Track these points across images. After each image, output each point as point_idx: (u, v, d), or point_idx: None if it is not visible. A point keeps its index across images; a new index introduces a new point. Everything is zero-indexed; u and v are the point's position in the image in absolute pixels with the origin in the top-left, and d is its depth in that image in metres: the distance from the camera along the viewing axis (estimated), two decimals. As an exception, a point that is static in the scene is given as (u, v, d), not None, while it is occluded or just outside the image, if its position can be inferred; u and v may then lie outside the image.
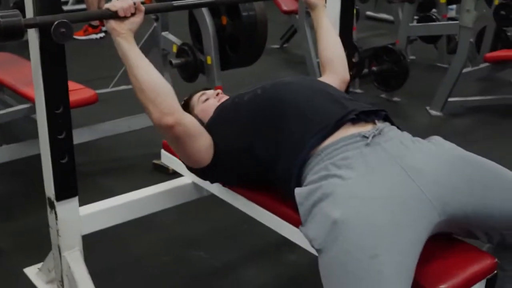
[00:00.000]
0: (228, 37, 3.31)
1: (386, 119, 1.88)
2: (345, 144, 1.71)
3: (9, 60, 4.05)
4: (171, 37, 3.63)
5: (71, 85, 3.41)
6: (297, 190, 1.70)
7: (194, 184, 2.40)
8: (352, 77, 4.75)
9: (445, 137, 1.82)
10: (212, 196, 2.30)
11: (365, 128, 1.77)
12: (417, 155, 1.69)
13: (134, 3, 1.90)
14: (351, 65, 4.58)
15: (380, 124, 1.80)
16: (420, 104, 4.65)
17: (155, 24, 3.71)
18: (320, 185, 1.64)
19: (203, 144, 1.95)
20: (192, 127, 1.91)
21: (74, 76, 4.74)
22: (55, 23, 1.79)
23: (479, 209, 1.65)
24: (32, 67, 1.97)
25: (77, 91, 3.36)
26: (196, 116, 2.10)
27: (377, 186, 1.59)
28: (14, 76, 3.57)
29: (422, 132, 3.93)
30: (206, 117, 2.10)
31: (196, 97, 2.26)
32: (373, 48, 4.76)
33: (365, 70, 4.74)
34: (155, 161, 3.42)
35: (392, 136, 1.75)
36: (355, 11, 4.86)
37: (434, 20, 5.02)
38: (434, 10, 5.56)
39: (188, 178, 2.40)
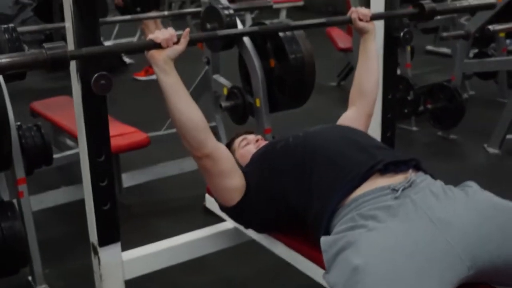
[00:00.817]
0: (276, 80, 3.34)
1: (417, 167, 1.86)
2: (375, 196, 1.72)
3: (68, 103, 4.18)
4: (222, 80, 3.69)
5: (125, 128, 3.55)
6: (323, 239, 1.71)
7: (236, 229, 2.41)
8: (408, 115, 4.75)
9: (503, 176, 1.78)
10: (254, 242, 2.31)
11: (395, 180, 1.76)
12: (447, 206, 1.67)
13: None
14: (406, 102, 4.59)
15: (411, 175, 1.78)
16: (477, 142, 4.55)
17: (206, 67, 3.78)
18: (345, 235, 1.65)
19: (234, 183, 2.01)
20: (223, 163, 1.98)
21: (132, 116, 4.92)
22: (95, 75, 1.87)
23: (511, 260, 1.61)
24: (76, 116, 2.04)
25: (130, 135, 3.45)
26: (236, 160, 2.14)
27: (403, 237, 1.58)
28: (72, 119, 3.68)
29: (478, 170, 3.87)
30: (245, 163, 2.14)
31: (237, 142, 2.30)
32: (429, 85, 4.70)
33: (421, 108, 4.68)
34: (206, 203, 3.45)
35: (423, 187, 1.74)
36: (409, 48, 4.85)
37: (489, 56, 4.93)
38: (493, 44, 5.46)
39: (230, 223, 2.42)
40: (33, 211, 3.10)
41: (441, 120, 4.59)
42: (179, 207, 3.62)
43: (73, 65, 1.95)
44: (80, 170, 2.08)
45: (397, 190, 1.71)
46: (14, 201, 2.77)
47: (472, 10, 3.44)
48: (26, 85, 6.37)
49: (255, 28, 2.31)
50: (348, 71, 6.28)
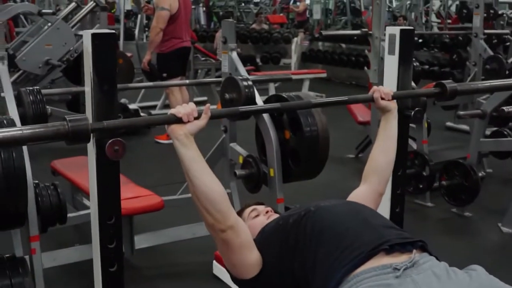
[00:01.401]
0: (291, 151, 3.41)
1: (423, 248, 1.87)
2: (376, 274, 1.73)
3: (87, 163, 4.28)
4: (238, 148, 3.76)
5: (140, 191, 3.62)
6: None
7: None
8: (423, 190, 4.77)
9: None
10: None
11: (399, 259, 1.77)
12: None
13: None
14: (421, 178, 4.61)
15: (415, 255, 1.79)
16: (492, 220, 4.54)
17: (224, 135, 3.87)
18: None
19: (252, 257, 2.00)
20: (243, 235, 1.98)
21: (150, 179, 5.00)
22: (110, 141, 1.94)
23: None
24: (89, 179, 2.11)
25: (145, 198, 3.52)
26: None
27: None
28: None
29: (491, 249, 3.84)
30: (254, 234, 2.16)
31: (247, 212, 2.32)
32: (444, 162, 4.73)
33: (436, 184, 4.70)
34: (213, 271, 3.47)
35: (426, 268, 1.74)
36: (426, 124, 4.91)
37: (505, 136, 4.97)
38: (510, 124, 5.50)
39: (236, 290, 2.44)
40: (45, 267, 3.16)
41: (455, 197, 4.60)
42: (189, 271, 3.64)
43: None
44: None
45: (399, 269, 1.72)
46: (27, 257, 2.83)
47: (493, 91, 3.48)
48: (49, 144, 6.53)
49: (277, 105, 2.34)
50: (366, 144, 6.33)
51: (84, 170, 4.00)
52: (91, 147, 2.05)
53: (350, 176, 5.82)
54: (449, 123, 7.66)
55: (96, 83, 1.98)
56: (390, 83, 2.73)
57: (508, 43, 7.25)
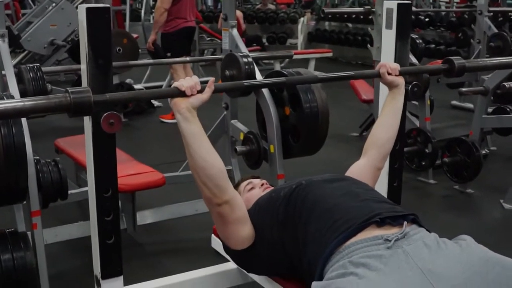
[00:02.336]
0: (291, 127, 3.42)
1: (414, 221, 1.89)
2: (367, 245, 1.75)
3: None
4: (239, 125, 3.78)
5: (142, 167, 3.65)
6: (314, 284, 1.74)
7: (239, 270, 2.46)
8: (425, 167, 4.78)
9: None
10: (256, 283, 2.36)
11: (390, 231, 1.79)
12: (439, 258, 1.68)
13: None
14: (423, 155, 4.61)
15: (406, 228, 1.80)
16: (494, 197, 4.55)
17: (225, 112, 3.88)
18: (335, 281, 1.67)
19: (245, 230, 2.04)
20: (239, 210, 2.01)
21: (154, 157, 5.02)
22: (105, 114, 1.96)
23: None
24: (86, 152, 2.14)
25: (147, 174, 3.55)
26: None
27: (391, 287, 1.60)
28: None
29: (493, 225, 3.86)
30: (249, 207, 2.19)
31: (243, 185, 2.35)
32: (447, 139, 4.73)
33: (439, 161, 4.71)
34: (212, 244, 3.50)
35: (416, 239, 1.76)
36: (429, 102, 4.91)
37: (508, 112, 4.95)
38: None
39: (233, 263, 2.47)
40: (48, 243, 3.21)
41: (458, 174, 4.60)
42: (191, 247, 3.67)
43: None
44: None
45: (390, 240, 1.73)
46: (29, 233, 2.86)
47: (501, 68, 3.44)
48: (54, 123, 6.58)
49: (282, 79, 2.30)
50: (370, 122, 6.32)
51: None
52: (87, 120, 2.06)
53: (353, 155, 5.77)
54: (454, 102, 7.64)
55: (91, 58, 1.99)
56: (387, 58, 2.73)
57: (513, 21, 7.23)
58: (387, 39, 2.75)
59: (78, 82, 7.76)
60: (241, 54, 3.50)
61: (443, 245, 1.76)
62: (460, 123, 6.02)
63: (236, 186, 2.36)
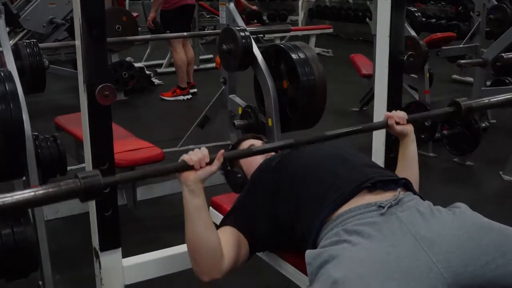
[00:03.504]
0: (288, 101, 3.43)
1: (407, 187, 1.89)
2: (360, 212, 1.74)
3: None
4: (237, 99, 3.79)
5: (141, 143, 3.66)
6: (308, 252, 1.73)
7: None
8: (425, 141, 4.78)
9: None
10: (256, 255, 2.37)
11: (383, 197, 1.79)
12: (433, 225, 1.68)
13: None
14: (423, 128, 4.61)
15: (399, 193, 1.80)
16: (494, 169, 4.56)
17: (223, 87, 3.89)
18: (329, 249, 1.67)
19: (245, 252, 2.02)
20: (232, 266, 1.96)
21: (154, 134, 5.04)
22: (100, 86, 1.97)
23: (495, 279, 1.61)
24: (82, 126, 2.15)
25: (145, 150, 3.56)
26: (239, 165, 2.25)
27: (385, 253, 1.60)
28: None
29: (493, 197, 3.86)
30: (250, 171, 2.20)
31: (244, 146, 2.35)
32: (446, 112, 4.72)
33: (438, 134, 4.71)
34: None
35: (410, 206, 1.75)
36: (428, 75, 4.90)
37: (506, 84, 4.95)
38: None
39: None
40: (49, 219, 3.23)
41: (457, 147, 4.61)
42: (190, 222, 3.69)
43: (80, 76, 2.06)
44: None
45: (383, 207, 1.73)
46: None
47: (508, 105, 3.30)
48: (55, 102, 6.59)
49: (290, 140, 2.14)
50: (370, 97, 6.32)
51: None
52: (82, 93, 2.07)
53: (354, 129, 5.84)
54: (455, 76, 7.63)
55: (85, 29, 1.99)
56: (383, 28, 2.72)
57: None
58: (383, 10, 2.73)
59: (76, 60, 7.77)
60: (238, 28, 3.50)
61: (437, 212, 1.75)
62: (460, 96, 6.00)
63: (237, 145, 2.37)
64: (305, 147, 2.09)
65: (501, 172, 4.44)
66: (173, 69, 7.52)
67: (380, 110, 2.81)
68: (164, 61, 8.54)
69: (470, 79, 7.24)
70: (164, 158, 3.52)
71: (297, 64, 3.31)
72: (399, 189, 1.83)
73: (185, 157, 1.86)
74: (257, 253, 2.29)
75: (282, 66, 3.45)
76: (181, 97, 6.94)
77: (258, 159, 2.22)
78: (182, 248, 2.46)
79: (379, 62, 2.76)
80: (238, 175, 2.33)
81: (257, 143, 2.36)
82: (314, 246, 1.80)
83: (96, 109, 2.05)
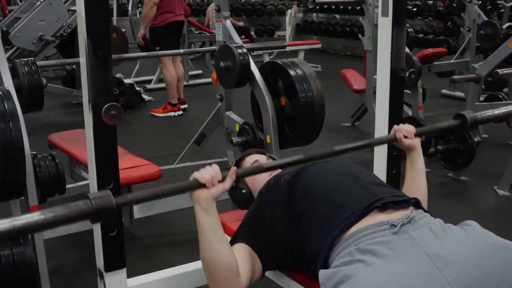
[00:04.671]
0: (286, 117, 3.42)
1: (417, 205, 1.88)
2: (373, 231, 1.73)
3: (84, 136, 4.29)
4: (234, 116, 3.78)
5: (138, 161, 3.64)
6: (321, 272, 1.72)
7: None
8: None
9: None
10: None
11: (394, 216, 1.77)
12: (445, 243, 1.67)
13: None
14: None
15: (410, 212, 1.79)
16: (488, 184, 4.57)
17: (220, 103, 3.87)
18: (342, 269, 1.66)
19: (258, 271, 2.00)
20: (249, 282, 1.94)
21: (147, 151, 5.01)
22: (106, 106, 1.95)
23: None
24: (87, 145, 2.13)
25: (143, 167, 3.53)
26: (244, 181, 2.22)
27: (399, 273, 1.59)
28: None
29: (487, 212, 3.87)
30: (255, 188, 2.19)
31: (248, 162, 2.33)
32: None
33: (432, 149, 4.73)
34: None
35: (422, 224, 1.74)
36: (421, 90, 4.93)
37: (500, 99, 4.98)
38: (505, 89, 5.52)
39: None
40: (45, 238, 3.18)
41: (451, 162, 4.63)
42: (188, 239, 3.64)
43: (85, 95, 2.04)
44: None
45: (395, 226, 1.72)
46: (27, 228, 2.84)
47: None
48: (47, 119, 6.55)
49: (301, 156, 2.10)
50: (362, 112, 6.35)
51: (81, 142, 4.00)
52: (87, 113, 2.05)
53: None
54: (444, 91, 7.68)
55: (90, 49, 1.98)
56: (384, 45, 2.72)
57: (502, 9, 7.24)
58: (383, 27, 2.74)
59: (67, 78, 7.75)
60: (235, 44, 3.50)
61: (448, 230, 1.74)
62: (451, 111, 6.04)
63: (241, 161, 2.34)
64: (313, 164, 2.07)
65: (495, 187, 4.46)
66: (162, 85, 7.51)
67: (381, 127, 2.81)
68: (154, 77, 8.53)
69: (460, 93, 7.32)
70: (162, 176, 3.49)
71: (295, 81, 3.31)
72: (410, 208, 1.83)
73: (196, 175, 1.83)
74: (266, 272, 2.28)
75: (279, 83, 3.45)
76: (172, 114, 6.92)
77: (263, 175, 2.21)
78: (187, 267, 2.45)
79: (380, 79, 2.76)
80: (243, 191, 2.31)
81: (262, 158, 2.35)
82: (326, 265, 1.79)
83: (102, 129, 2.03)
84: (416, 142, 2.23)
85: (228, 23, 3.69)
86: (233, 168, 1.89)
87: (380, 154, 2.81)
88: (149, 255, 3.42)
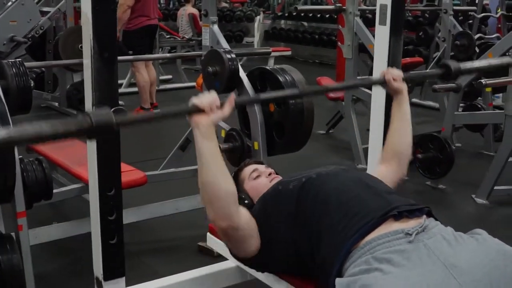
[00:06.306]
0: (275, 124, 3.39)
1: (428, 214, 1.89)
2: (388, 240, 1.73)
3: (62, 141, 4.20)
4: (220, 122, 3.73)
5: (122, 166, 3.56)
6: (338, 280, 1.71)
7: (238, 268, 2.43)
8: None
9: (491, 226, 1.82)
10: (256, 280, 2.32)
11: (408, 225, 1.78)
12: (459, 252, 1.69)
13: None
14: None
15: (423, 221, 1.80)
16: (465, 192, 4.62)
17: (205, 109, 3.83)
18: (360, 278, 1.65)
19: (252, 244, 1.99)
20: (244, 231, 1.95)
21: (129, 156, 4.90)
22: (111, 110, 1.90)
23: None
24: (88, 151, 2.07)
25: (127, 173, 3.46)
26: (245, 191, 2.18)
27: (417, 283, 1.59)
28: (67, 156, 3.71)
29: (467, 220, 3.90)
30: (255, 196, 2.15)
31: (247, 172, 2.29)
32: (418, 136, 4.79)
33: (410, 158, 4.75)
34: (200, 244, 3.45)
35: (435, 233, 1.76)
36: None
37: (479, 109, 5.04)
38: (480, 98, 5.60)
39: (232, 262, 2.44)
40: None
41: (430, 170, 4.67)
42: (173, 246, 3.62)
43: (88, 98, 1.99)
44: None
45: (410, 234, 1.73)
46: (13, 234, 2.76)
47: (493, 69, 3.45)
48: (16, 122, 6.39)
49: (296, 91, 2.20)
50: (337, 120, 6.36)
51: (59, 146, 3.97)
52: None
53: (322, 152, 5.86)
54: (414, 100, 7.74)
55: (96, 51, 1.94)
56: (381, 54, 2.73)
57: (471, 20, 7.37)
58: (381, 36, 2.75)
59: (36, 80, 7.58)
60: (223, 50, 3.46)
61: (460, 239, 1.76)
62: (425, 120, 6.12)
63: (239, 172, 2.31)
64: (321, 172, 2.06)
65: (473, 195, 4.51)
66: (133, 89, 7.42)
67: (376, 135, 2.81)
68: (124, 81, 8.42)
69: (430, 103, 7.41)
70: (147, 182, 3.43)
71: (286, 87, 3.29)
72: (424, 216, 1.83)
73: (195, 100, 1.83)
74: (259, 278, 2.25)
75: (268, 89, 3.42)
76: (145, 119, 6.82)
77: (264, 184, 2.18)
78: (186, 275, 2.42)
79: (376, 87, 2.76)
80: (246, 201, 2.28)
81: (261, 167, 2.32)
82: (339, 274, 1.78)
83: (106, 134, 1.98)
84: (404, 86, 2.30)
85: (215, 28, 3.65)
86: (232, 95, 1.90)
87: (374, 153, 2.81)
88: (134, 262, 3.34)
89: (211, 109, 1.81)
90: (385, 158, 2.28)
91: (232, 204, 1.88)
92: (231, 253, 2.11)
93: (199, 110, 1.81)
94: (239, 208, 1.92)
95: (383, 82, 2.28)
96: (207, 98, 1.82)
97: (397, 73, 2.29)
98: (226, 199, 1.86)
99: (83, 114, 1.60)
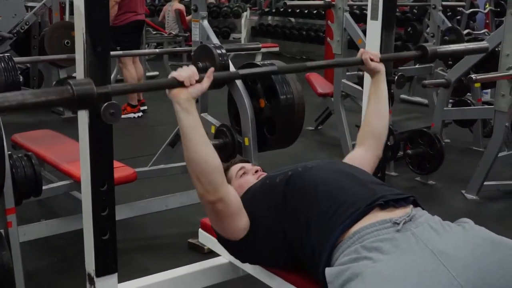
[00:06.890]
0: (266, 120, 3.38)
1: (415, 203, 1.90)
2: (376, 229, 1.75)
3: (50, 136, 4.18)
4: (209, 118, 3.71)
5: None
6: (328, 270, 1.73)
7: (231, 264, 2.42)
8: (387, 160, 4.82)
9: (481, 222, 1.83)
10: (249, 276, 2.31)
11: (395, 214, 1.80)
12: (447, 239, 1.70)
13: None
14: (386, 148, 4.65)
15: (410, 210, 1.82)
16: (455, 188, 4.64)
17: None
18: (350, 266, 1.67)
19: (242, 221, 2.00)
20: (233, 205, 1.96)
21: (116, 153, 4.88)
22: (105, 104, 1.87)
23: None
24: (80, 145, 2.04)
25: (117, 169, 3.41)
26: None
27: (407, 270, 1.61)
28: (55, 153, 3.68)
29: (457, 215, 3.89)
30: (241, 193, 2.14)
31: (234, 170, 2.30)
32: (408, 131, 4.79)
33: (400, 153, 4.76)
34: (190, 240, 3.44)
35: (422, 222, 1.77)
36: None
37: (469, 104, 5.05)
38: (469, 94, 5.61)
39: (225, 257, 2.43)
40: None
41: (420, 166, 4.67)
42: (163, 243, 3.60)
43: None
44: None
45: (398, 224, 1.74)
46: (1, 231, 2.73)
47: (469, 53, 3.50)
48: (4, 119, 6.33)
49: (274, 67, 2.30)
50: (326, 116, 6.36)
51: (47, 143, 3.94)
52: (82, 111, 1.97)
53: (311, 148, 5.86)
54: (403, 96, 7.77)
55: (89, 45, 1.90)
56: (373, 49, 2.72)
57: (459, 16, 7.38)
58: (373, 30, 2.74)
59: (21, 76, 7.51)
60: (214, 45, 3.44)
61: (447, 227, 1.78)
62: (414, 116, 6.13)
63: (226, 170, 2.29)
64: (308, 164, 2.06)
65: (463, 191, 4.52)
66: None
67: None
68: (111, 77, 8.35)
69: (418, 98, 7.44)
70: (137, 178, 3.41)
71: (276, 83, 3.27)
72: (410, 206, 1.86)
73: (174, 73, 1.85)
74: (250, 273, 2.24)
75: (258, 85, 3.40)
76: (132, 115, 6.80)
77: (251, 181, 2.18)
78: (178, 271, 2.39)
79: (368, 83, 2.75)
80: None
81: (248, 166, 2.33)
82: (328, 263, 1.79)
83: (99, 129, 1.96)
84: (381, 66, 2.34)
85: (205, 23, 3.63)
86: (211, 69, 1.92)
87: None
88: (124, 260, 3.28)
89: (190, 83, 1.84)
90: (362, 139, 2.33)
91: (219, 177, 1.88)
92: (219, 237, 2.10)
93: (178, 84, 1.83)
94: (226, 182, 1.94)
95: (360, 62, 2.33)
96: (186, 72, 1.85)
97: (374, 53, 2.34)
98: (212, 172, 1.87)
99: (65, 83, 1.62)
